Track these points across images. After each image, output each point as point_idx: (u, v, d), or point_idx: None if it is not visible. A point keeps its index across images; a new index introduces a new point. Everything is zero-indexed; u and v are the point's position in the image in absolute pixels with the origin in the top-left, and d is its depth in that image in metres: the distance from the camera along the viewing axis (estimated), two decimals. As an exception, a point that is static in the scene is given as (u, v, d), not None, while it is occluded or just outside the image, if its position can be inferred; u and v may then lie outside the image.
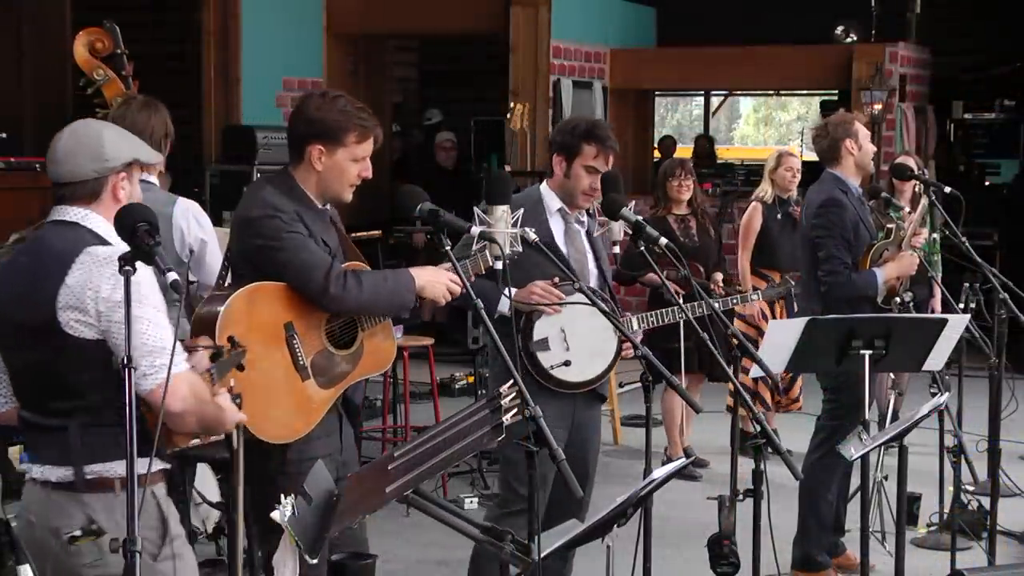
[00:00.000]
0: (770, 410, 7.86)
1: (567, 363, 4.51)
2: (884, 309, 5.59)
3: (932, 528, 6.42)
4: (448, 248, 3.64)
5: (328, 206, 4.02)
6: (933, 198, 6.25)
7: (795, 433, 7.04)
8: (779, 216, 7.65)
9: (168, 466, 3.42)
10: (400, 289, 3.89)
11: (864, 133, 5.73)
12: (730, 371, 4.02)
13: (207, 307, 3.79)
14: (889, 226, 5.72)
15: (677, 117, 25.18)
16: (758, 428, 3.83)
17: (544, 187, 4.72)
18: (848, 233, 5.58)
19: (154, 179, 4.90)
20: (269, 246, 3.81)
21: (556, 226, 4.66)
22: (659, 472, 3.54)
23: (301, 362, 3.83)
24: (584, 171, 4.55)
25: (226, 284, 3.95)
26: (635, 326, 4.75)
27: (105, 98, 5.43)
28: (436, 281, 3.95)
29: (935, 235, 7.64)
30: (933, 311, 7.34)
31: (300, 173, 3.94)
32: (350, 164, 3.90)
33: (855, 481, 5.74)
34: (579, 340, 4.55)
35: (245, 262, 3.91)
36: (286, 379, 3.81)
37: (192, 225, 4.83)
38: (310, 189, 3.94)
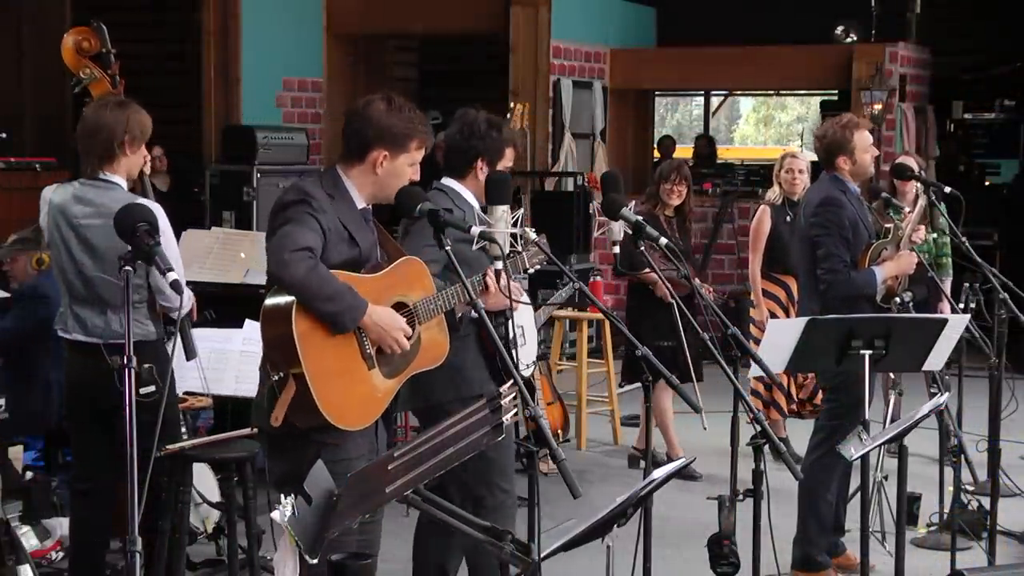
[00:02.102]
0: (786, 416, 7.86)
1: (544, 356, 4.59)
2: (883, 308, 5.59)
3: (932, 528, 6.42)
4: (448, 247, 3.64)
5: (369, 207, 4.05)
6: (933, 198, 6.25)
7: (801, 434, 7.04)
8: (788, 218, 7.62)
9: None
10: (343, 304, 3.73)
11: (862, 145, 5.68)
12: (730, 371, 4.02)
13: (275, 298, 3.77)
14: (887, 226, 5.73)
15: (677, 117, 25.19)
16: (758, 428, 3.83)
17: (459, 187, 4.60)
18: (847, 232, 5.58)
19: (118, 178, 4.81)
20: (283, 222, 3.80)
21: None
22: (659, 472, 3.54)
23: (368, 350, 3.84)
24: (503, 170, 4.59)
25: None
26: (540, 318, 4.90)
27: (93, 97, 5.44)
28: (387, 329, 3.83)
29: (944, 238, 7.62)
30: (940, 313, 7.30)
31: (354, 173, 3.99)
32: (407, 168, 3.98)
33: (855, 481, 5.74)
34: (528, 336, 4.64)
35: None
36: (355, 367, 3.82)
37: None
38: (360, 189, 3.98)
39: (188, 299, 4.95)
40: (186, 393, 5.62)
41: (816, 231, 5.63)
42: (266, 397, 3.80)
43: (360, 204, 3.99)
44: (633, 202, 4.36)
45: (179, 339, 4.94)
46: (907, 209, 7.79)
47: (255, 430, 4.05)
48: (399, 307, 3.96)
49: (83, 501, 5.00)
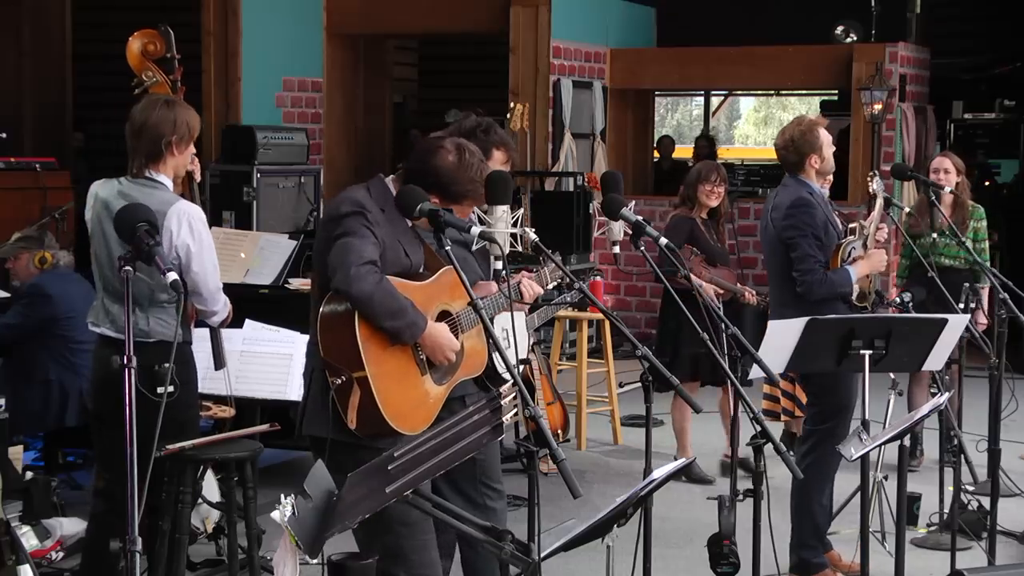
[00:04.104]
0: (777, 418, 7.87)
1: (526, 361, 4.56)
2: (859, 308, 5.60)
3: (932, 528, 6.42)
4: (448, 248, 3.64)
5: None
6: (933, 198, 6.25)
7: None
8: None
9: None
10: (406, 320, 3.80)
11: (827, 142, 5.69)
12: (730, 371, 4.02)
13: (332, 305, 3.79)
14: (852, 225, 5.73)
15: (677, 117, 25.19)
16: (758, 428, 3.83)
17: None
18: (820, 232, 5.60)
19: (163, 178, 4.78)
20: (342, 234, 3.82)
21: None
22: (659, 472, 3.54)
23: (420, 356, 3.89)
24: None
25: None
26: (536, 321, 4.88)
27: None
28: (443, 346, 3.91)
29: (945, 238, 7.59)
30: (976, 322, 7.17)
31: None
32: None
33: (855, 482, 5.74)
34: (510, 340, 4.64)
35: (322, 257, 3.90)
36: (411, 372, 3.87)
37: (183, 229, 4.72)
38: None
39: (226, 307, 4.95)
40: (211, 401, 5.59)
41: (789, 233, 5.62)
42: (331, 406, 3.79)
43: (409, 221, 3.99)
44: (633, 202, 4.33)
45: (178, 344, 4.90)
46: (906, 209, 7.81)
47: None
48: (443, 316, 3.99)
49: (100, 499, 4.99)
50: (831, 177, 6.96)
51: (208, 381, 5.43)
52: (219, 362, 5.12)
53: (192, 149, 4.89)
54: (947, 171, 7.53)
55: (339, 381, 3.75)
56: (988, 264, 7.53)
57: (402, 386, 3.83)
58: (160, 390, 4.55)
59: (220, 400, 5.56)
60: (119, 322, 4.78)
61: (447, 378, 3.99)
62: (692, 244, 7.35)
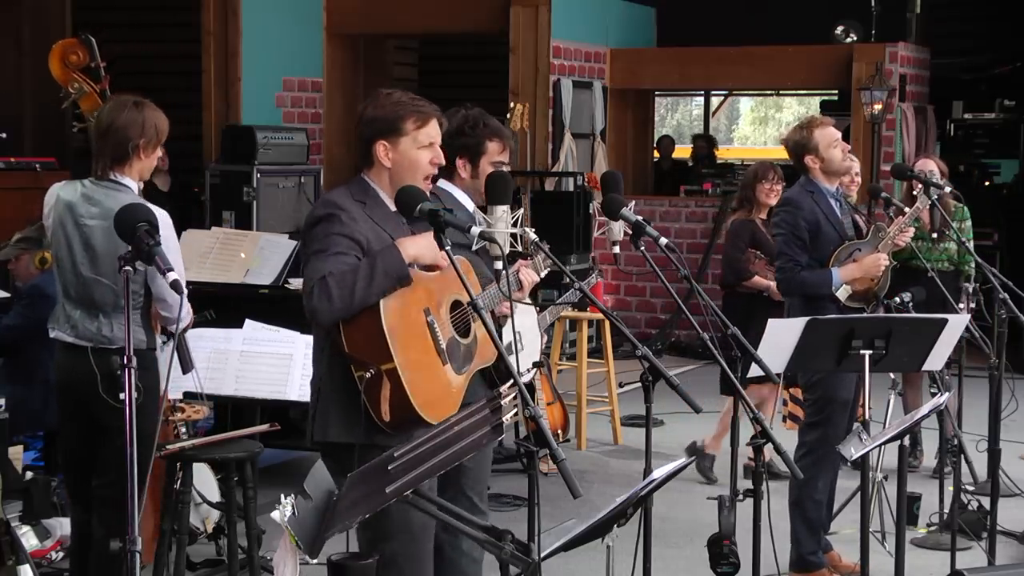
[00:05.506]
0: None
1: (538, 364, 4.54)
2: (851, 309, 5.60)
3: (932, 528, 6.42)
4: (448, 248, 3.63)
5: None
6: (934, 199, 6.24)
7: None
8: None
9: None
10: (380, 273, 3.73)
11: (825, 142, 5.67)
12: (730, 371, 4.01)
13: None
14: (881, 224, 5.75)
15: (677, 117, 25.19)
16: (759, 428, 3.83)
17: (451, 187, 4.51)
18: (801, 232, 5.63)
19: (128, 181, 4.70)
20: (313, 252, 3.81)
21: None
22: (659, 472, 3.54)
23: (440, 345, 3.85)
24: (491, 167, 4.48)
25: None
26: (547, 319, 4.90)
27: (83, 111, 5.36)
28: (429, 245, 3.81)
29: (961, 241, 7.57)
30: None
31: (373, 175, 3.97)
32: (418, 152, 3.92)
33: (854, 482, 5.74)
34: (527, 339, 4.62)
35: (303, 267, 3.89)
36: (434, 361, 3.83)
37: None
38: (385, 189, 3.95)
39: (188, 312, 4.90)
40: (183, 401, 5.57)
41: (773, 231, 5.83)
42: (363, 404, 3.70)
43: (393, 207, 3.95)
44: (633, 202, 4.33)
45: (175, 350, 4.87)
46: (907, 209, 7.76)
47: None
48: (456, 306, 3.97)
49: (72, 503, 4.97)
50: (857, 177, 6.89)
51: (182, 382, 5.41)
52: (186, 365, 5.06)
53: (159, 152, 4.79)
54: (931, 173, 7.50)
55: (368, 375, 3.69)
56: (973, 264, 7.54)
57: (427, 376, 3.80)
58: (122, 396, 4.47)
59: (192, 397, 5.53)
60: (80, 328, 4.71)
61: (465, 367, 3.97)
62: (755, 247, 7.31)
